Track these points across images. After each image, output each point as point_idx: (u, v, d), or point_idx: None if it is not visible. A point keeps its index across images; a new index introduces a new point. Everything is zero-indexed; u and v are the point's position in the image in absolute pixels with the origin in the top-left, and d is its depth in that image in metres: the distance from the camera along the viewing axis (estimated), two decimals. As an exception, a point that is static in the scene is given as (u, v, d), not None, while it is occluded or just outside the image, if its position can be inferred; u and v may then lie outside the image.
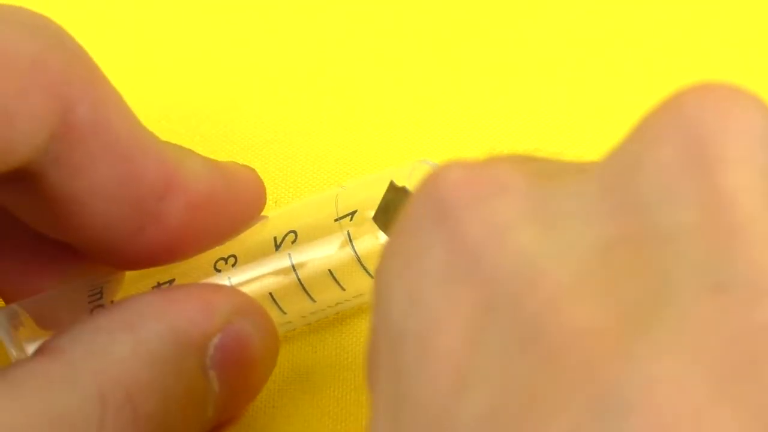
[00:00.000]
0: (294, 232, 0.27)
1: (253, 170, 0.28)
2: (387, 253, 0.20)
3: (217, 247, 0.27)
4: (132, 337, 0.23)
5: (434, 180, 0.20)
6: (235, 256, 0.27)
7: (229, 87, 0.34)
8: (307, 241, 0.27)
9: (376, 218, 0.27)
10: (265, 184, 0.27)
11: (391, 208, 0.26)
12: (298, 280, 0.27)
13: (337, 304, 0.28)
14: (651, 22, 0.37)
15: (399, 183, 0.27)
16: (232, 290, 0.26)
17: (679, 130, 0.18)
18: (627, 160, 0.19)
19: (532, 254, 0.18)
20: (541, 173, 0.20)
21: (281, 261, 0.27)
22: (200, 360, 0.24)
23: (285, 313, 0.28)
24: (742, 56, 0.36)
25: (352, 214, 0.27)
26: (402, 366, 0.18)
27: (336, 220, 0.27)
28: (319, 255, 0.27)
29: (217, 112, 0.34)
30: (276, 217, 0.28)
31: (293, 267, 0.27)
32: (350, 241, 0.27)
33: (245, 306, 0.25)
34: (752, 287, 0.16)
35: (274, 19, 0.36)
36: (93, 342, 0.23)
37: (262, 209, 0.28)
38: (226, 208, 0.26)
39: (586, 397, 0.16)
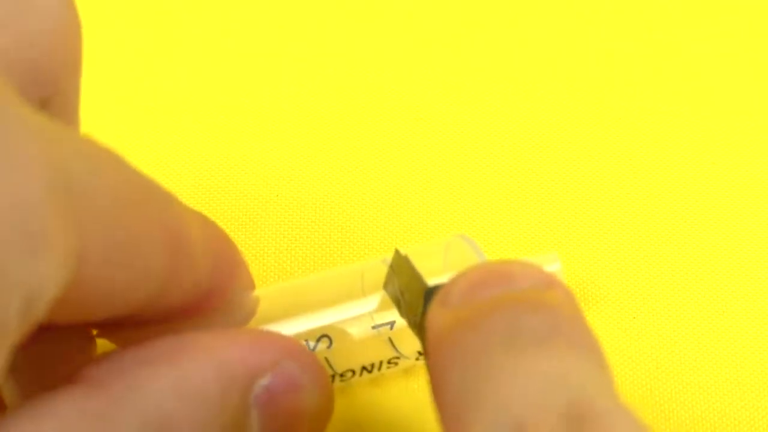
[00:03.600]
0: (328, 336, 0.26)
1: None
2: None
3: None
4: (175, 372, 0.22)
5: None
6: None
7: (233, 134, 0.34)
8: (344, 349, 0.27)
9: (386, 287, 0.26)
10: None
11: (402, 279, 0.26)
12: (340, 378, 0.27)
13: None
14: (651, 21, 0.37)
15: (434, 261, 0.27)
16: (283, 336, 0.25)
17: None
18: None
19: None
20: None
21: None
22: (245, 398, 0.23)
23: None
24: (744, 57, 0.36)
25: (392, 323, 0.27)
26: None
27: (374, 327, 0.27)
28: (360, 365, 0.27)
29: (223, 161, 0.34)
30: (297, 307, 0.27)
31: (334, 374, 0.27)
32: (393, 346, 0.27)
33: (297, 351, 0.24)
34: None
35: (281, 67, 0.35)
36: (134, 376, 0.22)
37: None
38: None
39: None
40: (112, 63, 0.36)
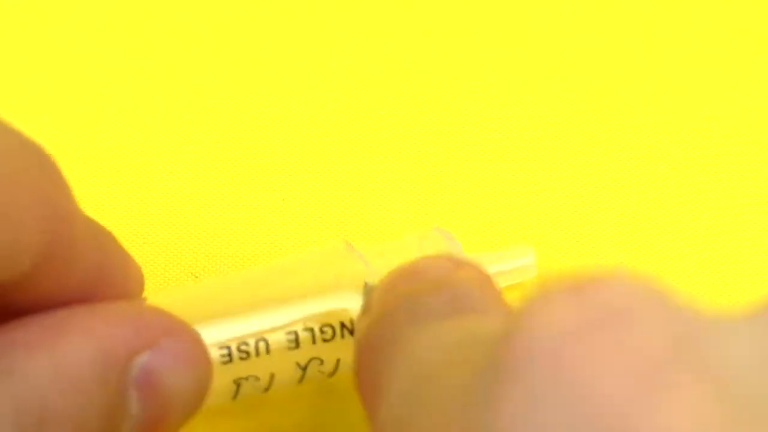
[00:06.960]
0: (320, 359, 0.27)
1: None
2: None
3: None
4: (52, 358, 0.22)
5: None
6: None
7: (225, 141, 0.34)
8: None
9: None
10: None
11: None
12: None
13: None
14: (651, 21, 0.37)
15: (409, 254, 0.27)
16: (163, 312, 0.24)
17: None
18: None
19: None
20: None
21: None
22: (122, 379, 0.23)
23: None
24: (746, 55, 0.36)
25: None
26: None
27: None
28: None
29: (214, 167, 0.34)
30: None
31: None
32: None
33: (177, 329, 0.24)
34: None
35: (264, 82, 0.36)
36: (11, 360, 0.21)
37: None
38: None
39: None
40: (110, 61, 0.36)
